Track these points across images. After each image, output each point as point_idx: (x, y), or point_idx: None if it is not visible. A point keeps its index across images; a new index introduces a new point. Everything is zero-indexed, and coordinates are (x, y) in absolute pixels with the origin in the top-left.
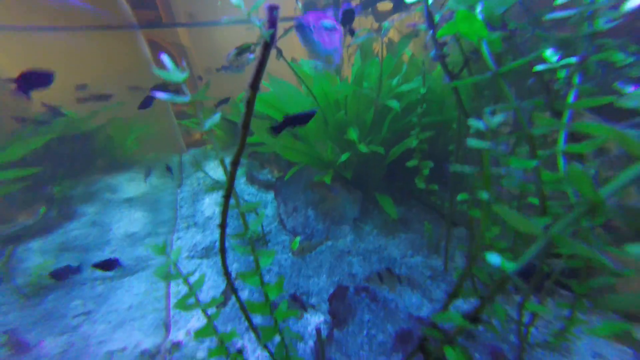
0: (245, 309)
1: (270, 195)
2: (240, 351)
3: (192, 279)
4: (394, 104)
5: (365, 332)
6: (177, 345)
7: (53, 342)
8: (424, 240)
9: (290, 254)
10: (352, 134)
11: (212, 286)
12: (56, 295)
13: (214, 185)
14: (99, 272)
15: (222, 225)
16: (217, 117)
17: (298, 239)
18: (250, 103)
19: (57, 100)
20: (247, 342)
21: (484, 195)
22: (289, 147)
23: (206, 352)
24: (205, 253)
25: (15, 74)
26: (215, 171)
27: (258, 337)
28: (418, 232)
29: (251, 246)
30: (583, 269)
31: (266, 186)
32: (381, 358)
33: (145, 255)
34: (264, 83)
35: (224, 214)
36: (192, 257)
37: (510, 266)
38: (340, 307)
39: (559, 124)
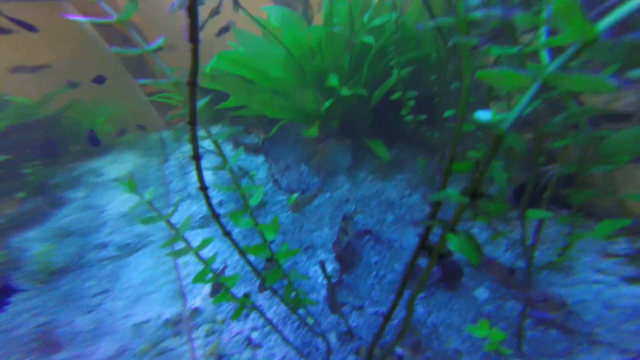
0: (243, 252)
1: (259, 159)
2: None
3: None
4: (369, 39)
5: (374, 273)
6: (196, 311)
7: (82, 320)
8: (420, 177)
9: (289, 212)
10: (332, 80)
11: (217, 252)
12: (69, 278)
13: (201, 154)
14: (103, 253)
15: (203, 187)
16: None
17: (295, 195)
18: (194, 54)
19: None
20: (262, 299)
21: (457, 84)
22: (268, 103)
23: (225, 315)
24: (205, 222)
25: None
26: (201, 143)
27: (263, 281)
28: (413, 171)
29: (250, 213)
30: (579, 175)
31: (254, 150)
32: (392, 296)
33: (145, 231)
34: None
35: (199, 175)
36: (192, 227)
37: (503, 117)
38: (345, 252)
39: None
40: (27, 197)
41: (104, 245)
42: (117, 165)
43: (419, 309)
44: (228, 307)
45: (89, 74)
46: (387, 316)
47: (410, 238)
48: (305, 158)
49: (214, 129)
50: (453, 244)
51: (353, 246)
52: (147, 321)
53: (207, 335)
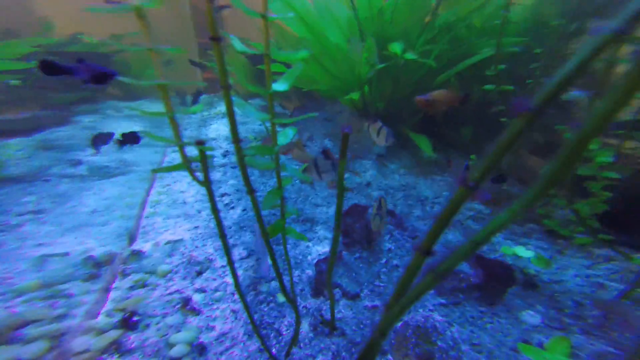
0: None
1: (287, 131)
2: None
3: (178, 188)
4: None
5: (384, 260)
6: (137, 254)
7: None
8: None
9: (297, 180)
10: (395, 47)
11: (200, 200)
12: (11, 188)
13: (225, 112)
14: (71, 170)
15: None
16: None
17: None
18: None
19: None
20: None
21: None
22: (312, 68)
23: (172, 266)
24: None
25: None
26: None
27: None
28: (456, 175)
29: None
30: None
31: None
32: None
33: (133, 160)
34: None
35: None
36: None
37: None
38: (355, 225)
39: None
40: (36, 110)
41: (77, 163)
42: (141, 108)
43: (436, 315)
44: (181, 258)
45: (164, 26)
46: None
47: (442, 236)
48: (332, 134)
49: (252, 101)
50: None
51: (367, 222)
52: (64, 254)
53: (133, 287)
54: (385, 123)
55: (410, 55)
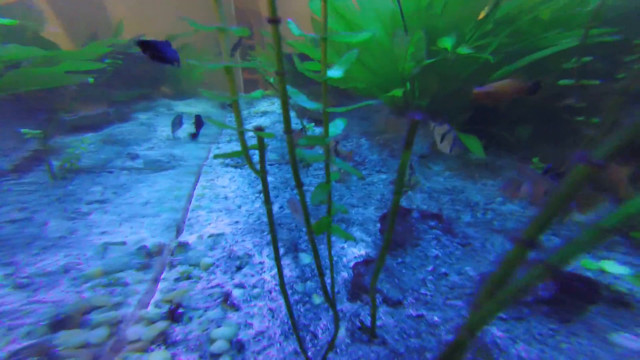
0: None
1: (318, 129)
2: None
3: (220, 184)
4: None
5: (430, 267)
6: (183, 246)
7: (56, 225)
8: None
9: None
10: (445, 41)
11: (241, 195)
12: (82, 179)
13: (264, 111)
14: (130, 163)
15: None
16: None
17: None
18: None
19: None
20: (265, 257)
21: None
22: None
23: (213, 259)
24: (241, 162)
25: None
26: (267, 107)
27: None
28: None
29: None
30: None
31: (318, 120)
32: (456, 303)
33: (181, 155)
34: None
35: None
36: (227, 164)
37: None
38: (397, 228)
39: None
40: (105, 106)
41: (135, 157)
42: (188, 107)
43: (495, 330)
44: (222, 252)
45: (209, 22)
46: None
47: (499, 244)
48: (369, 133)
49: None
50: None
51: (411, 225)
52: (122, 244)
53: (179, 279)
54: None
55: (464, 50)
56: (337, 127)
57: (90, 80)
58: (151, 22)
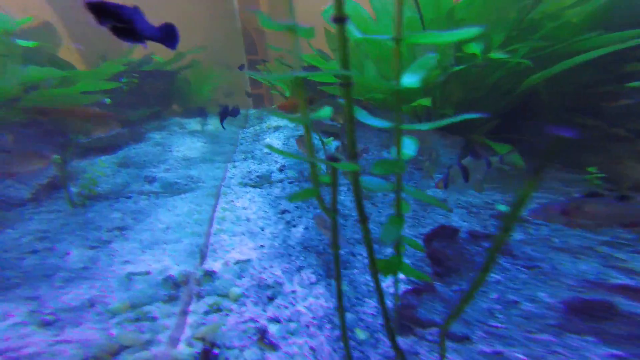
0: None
1: (335, 143)
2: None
3: (241, 205)
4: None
5: (494, 295)
6: (210, 275)
7: (78, 255)
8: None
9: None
10: (473, 47)
11: (263, 217)
12: (101, 205)
13: (276, 126)
14: (147, 187)
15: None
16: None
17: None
18: None
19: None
20: (297, 285)
21: None
22: (369, 78)
23: (243, 289)
24: (260, 181)
25: None
26: (278, 122)
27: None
28: (559, 192)
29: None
30: None
31: (334, 135)
32: (542, 337)
33: (197, 176)
34: None
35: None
36: (245, 184)
37: None
38: (447, 251)
39: None
40: (118, 127)
41: (152, 180)
42: (200, 124)
43: None
44: (251, 280)
45: (218, 44)
46: None
47: (570, 265)
48: (388, 145)
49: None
50: None
51: (461, 247)
52: (146, 273)
53: (208, 312)
54: (454, 132)
55: (497, 55)
56: (409, 147)
57: (107, 100)
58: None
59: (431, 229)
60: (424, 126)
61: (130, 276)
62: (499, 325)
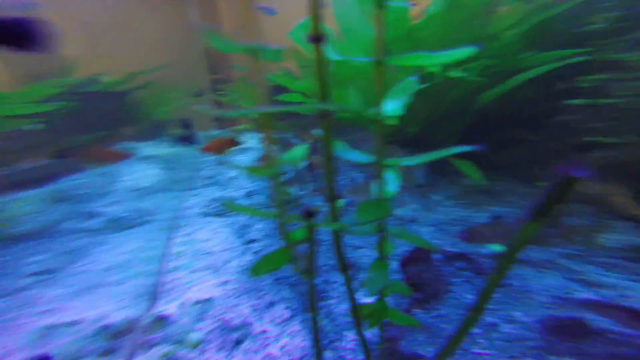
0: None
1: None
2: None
3: (201, 237)
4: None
5: None
6: (162, 320)
7: None
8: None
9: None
10: (432, 66)
11: (227, 249)
12: (24, 246)
13: (243, 148)
14: (87, 224)
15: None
16: None
17: (342, 201)
18: None
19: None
20: (268, 324)
21: None
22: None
23: (204, 333)
24: (222, 211)
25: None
26: (246, 143)
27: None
28: (516, 205)
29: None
30: None
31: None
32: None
33: (150, 209)
34: None
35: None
36: (207, 214)
37: None
38: (423, 276)
39: None
40: (51, 156)
41: (93, 215)
42: (155, 148)
43: None
44: (213, 322)
45: (182, 65)
46: None
47: (538, 279)
48: (360, 165)
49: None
50: None
51: (437, 270)
52: (73, 323)
53: None
54: (418, 149)
55: (455, 73)
56: (392, 183)
57: (38, 126)
58: (112, 60)
59: (405, 251)
60: (411, 161)
61: (47, 329)
62: (483, 352)
